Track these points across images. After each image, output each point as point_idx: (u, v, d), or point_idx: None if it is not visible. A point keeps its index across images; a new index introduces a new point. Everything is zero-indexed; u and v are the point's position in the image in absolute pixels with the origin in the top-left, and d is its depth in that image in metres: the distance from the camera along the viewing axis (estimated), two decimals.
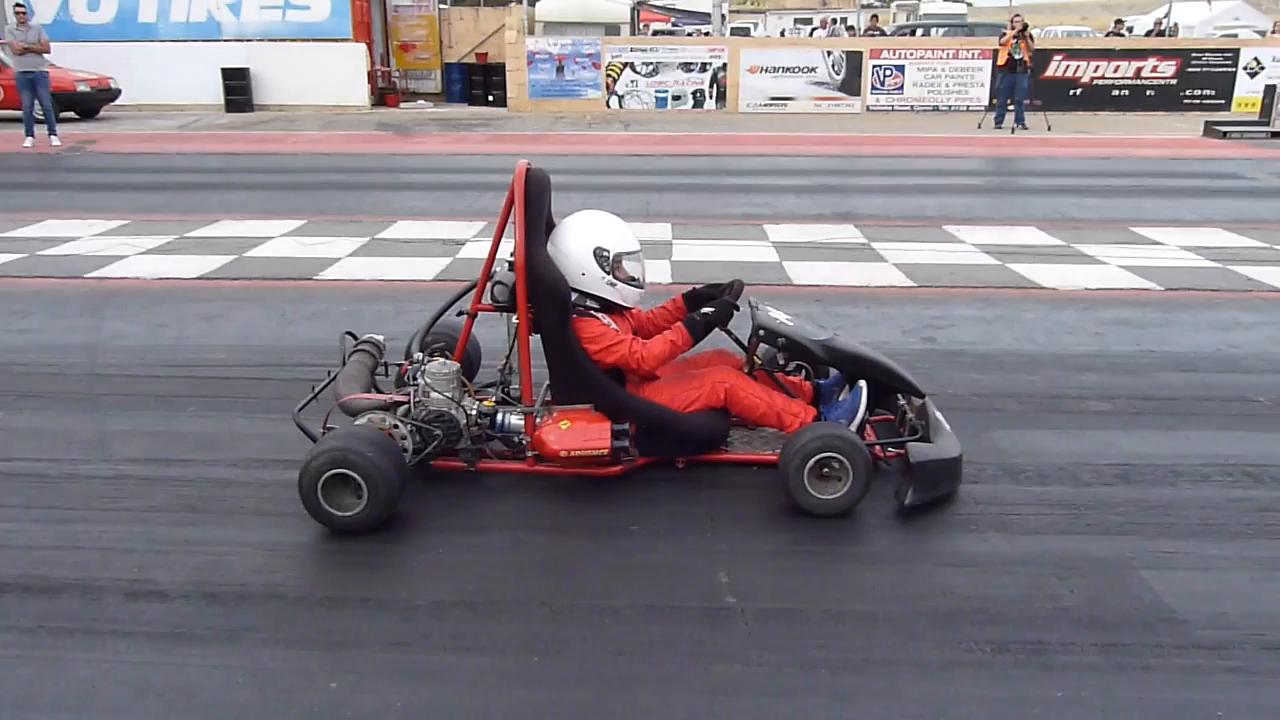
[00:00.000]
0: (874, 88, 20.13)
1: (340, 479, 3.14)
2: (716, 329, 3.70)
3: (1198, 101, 20.12)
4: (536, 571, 3.07)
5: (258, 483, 3.61)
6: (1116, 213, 9.44)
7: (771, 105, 20.12)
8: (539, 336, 3.53)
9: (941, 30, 26.45)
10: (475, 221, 8.68)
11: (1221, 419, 4.33)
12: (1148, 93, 20.24)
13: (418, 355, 3.75)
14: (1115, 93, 20.24)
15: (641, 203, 9.60)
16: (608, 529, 3.33)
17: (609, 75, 19.98)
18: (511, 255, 3.52)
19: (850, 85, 20.11)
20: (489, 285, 3.61)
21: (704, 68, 20.04)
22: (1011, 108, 17.15)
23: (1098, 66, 20.23)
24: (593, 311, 3.61)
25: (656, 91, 20.10)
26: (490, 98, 20.95)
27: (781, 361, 3.95)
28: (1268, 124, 16.36)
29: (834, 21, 30.61)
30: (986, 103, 19.01)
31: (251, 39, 19.93)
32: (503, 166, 12.49)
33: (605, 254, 3.59)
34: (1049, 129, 16.88)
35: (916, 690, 2.51)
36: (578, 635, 2.72)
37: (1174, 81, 20.23)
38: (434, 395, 3.53)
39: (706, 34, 23.25)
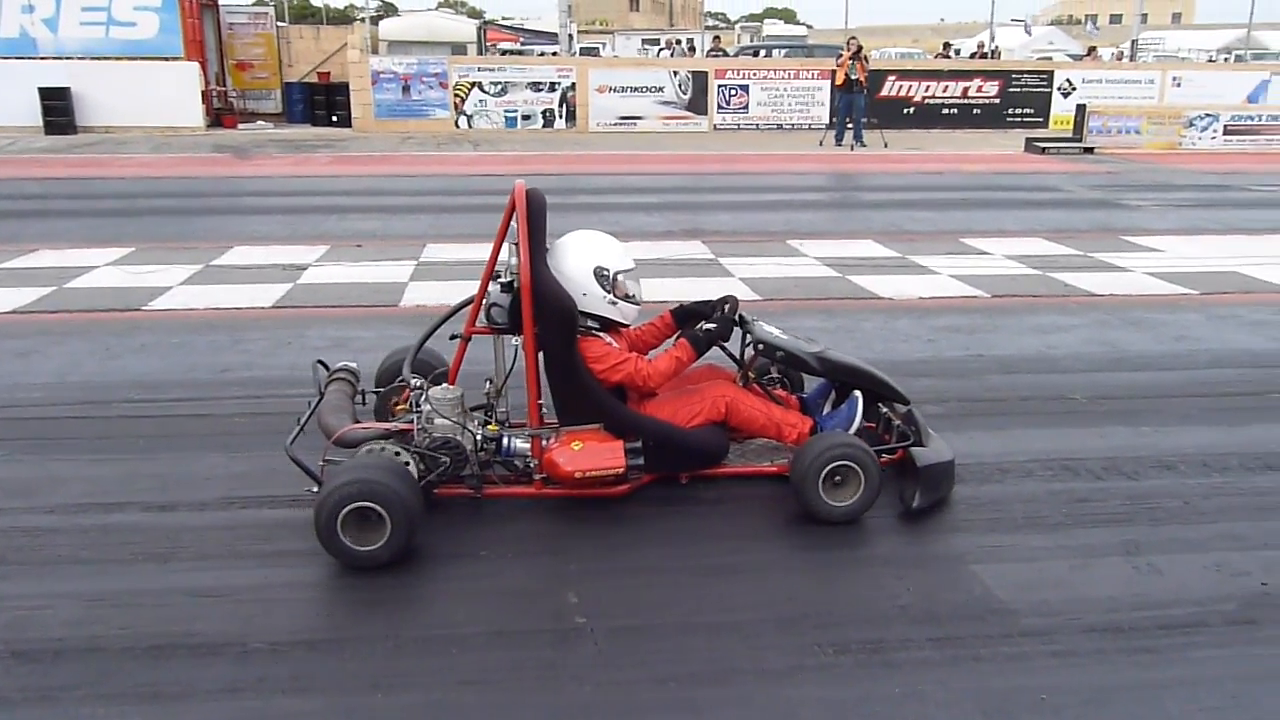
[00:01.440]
0: (720, 107, 20.62)
1: (358, 513, 3.01)
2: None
3: (1019, 119, 21.49)
4: (380, 604, 2.97)
5: (76, 529, 3.38)
6: (948, 225, 9.95)
7: (621, 124, 20.34)
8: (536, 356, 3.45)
9: (783, 51, 27.33)
10: (318, 245, 8.41)
11: (1043, 416, 4.60)
12: (974, 111, 21.52)
13: (415, 381, 3.59)
14: (945, 111, 21.42)
15: (490, 224, 9.47)
16: (455, 556, 3.26)
17: (457, 95, 19.77)
18: (499, 278, 3.46)
19: (697, 104, 20.54)
20: (484, 307, 3.52)
21: (553, 87, 20.08)
22: (850, 126, 17.88)
23: (929, 87, 21.38)
24: (594, 331, 3.58)
25: (506, 111, 20.01)
26: (334, 118, 20.36)
27: (777, 375, 4.03)
28: (1080, 140, 17.61)
29: (677, 43, 31.14)
30: (827, 121, 19.73)
31: (72, 57, 18.76)
32: (348, 189, 12.19)
33: (606, 273, 3.57)
34: (885, 146, 17.65)
35: (764, 697, 2.55)
36: (424, 667, 2.65)
37: (997, 101, 21.57)
38: (438, 421, 3.42)
39: (555, 54, 23.33)
